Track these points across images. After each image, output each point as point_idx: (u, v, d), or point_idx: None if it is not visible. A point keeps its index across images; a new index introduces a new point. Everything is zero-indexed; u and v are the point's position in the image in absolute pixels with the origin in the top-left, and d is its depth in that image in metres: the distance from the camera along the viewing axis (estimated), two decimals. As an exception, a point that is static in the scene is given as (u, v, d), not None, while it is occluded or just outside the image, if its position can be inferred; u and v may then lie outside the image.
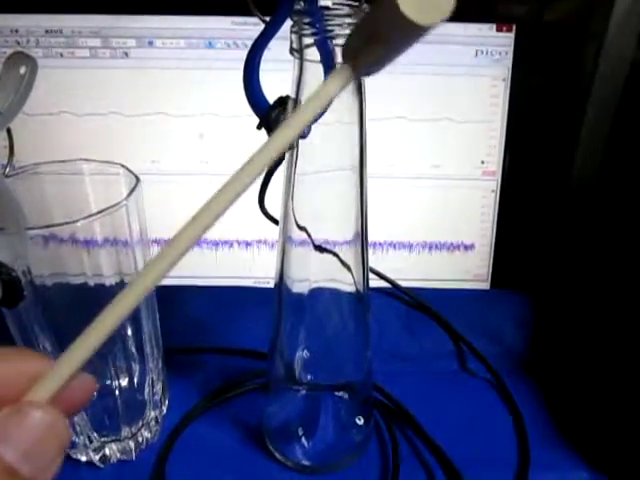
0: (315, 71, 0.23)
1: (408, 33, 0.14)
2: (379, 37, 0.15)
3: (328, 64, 0.22)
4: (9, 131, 0.26)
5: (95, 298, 0.30)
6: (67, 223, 0.24)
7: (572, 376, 0.39)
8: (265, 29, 0.23)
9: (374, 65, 0.15)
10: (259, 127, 0.25)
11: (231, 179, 0.16)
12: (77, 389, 0.15)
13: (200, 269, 0.45)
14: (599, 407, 0.36)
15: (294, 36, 0.23)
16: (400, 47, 0.15)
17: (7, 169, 0.27)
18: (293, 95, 0.25)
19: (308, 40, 0.23)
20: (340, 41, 0.22)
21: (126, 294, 0.15)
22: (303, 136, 0.25)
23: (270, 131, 0.25)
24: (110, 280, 0.30)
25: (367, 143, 0.27)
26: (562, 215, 0.44)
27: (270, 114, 0.24)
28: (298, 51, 0.23)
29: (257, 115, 0.25)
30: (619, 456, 0.33)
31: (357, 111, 0.26)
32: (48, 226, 0.24)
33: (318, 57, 0.22)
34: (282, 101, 0.24)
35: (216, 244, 0.44)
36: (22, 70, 0.23)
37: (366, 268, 0.30)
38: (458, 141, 0.43)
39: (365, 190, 0.28)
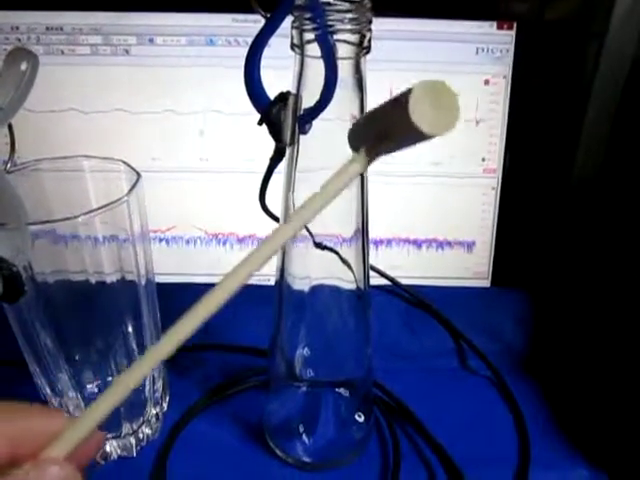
0: (316, 67, 0.23)
1: (416, 139, 0.15)
2: (388, 136, 0.17)
3: (329, 59, 0.22)
4: (10, 127, 0.26)
5: (96, 295, 0.30)
6: (68, 219, 0.24)
7: (572, 374, 0.39)
8: (266, 25, 0.22)
9: (382, 155, 0.18)
10: (260, 123, 0.25)
11: (255, 250, 0.17)
12: (88, 444, 0.17)
13: (201, 266, 0.45)
14: (599, 405, 0.35)
15: (295, 31, 0.23)
16: (406, 146, 0.17)
17: (8, 165, 0.27)
18: (294, 91, 0.25)
19: (309, 36, 0.23)
20: (341, 36, 0.22)
21: (133, 367, 0.17)
22: (304, 132, 0.25)
23: (271, 127, 0.25)
24: (111, 277, 0.30)
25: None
26: (563, 213, 0.44)
27: (271, 110, 0.24)
28: (299, 47, 0.23)
29: (258, 111, 0.25)
30: (619, 454, 0.33)
31: (358, 107, 0.26)
32: (49, 221, 0.24)
33: (319, 53, 0.22)
34: (283, 97, 0.24)
35: (218, 241, 0.44)
36: (23, 66, 0.23)
37: (367, 265, 0.30)
38: (459, 139, 0.43)
39: (366, 187, 0.28)
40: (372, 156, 0.17)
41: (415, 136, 0.15)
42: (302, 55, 0.23)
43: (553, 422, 0.36)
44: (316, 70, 0.23)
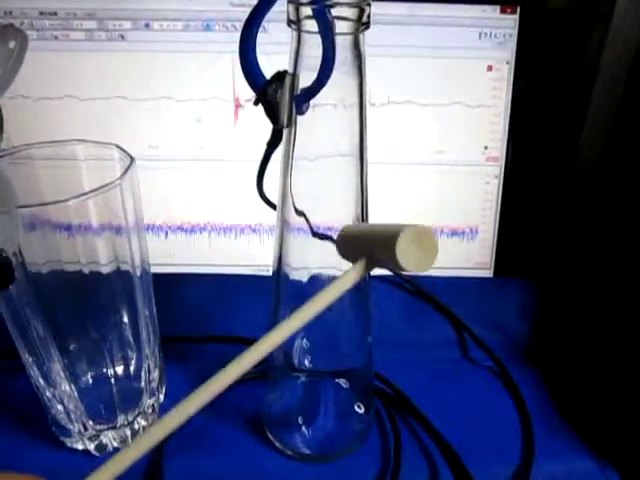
0: (312, 43, 0.22)
1: (402, 270, 0.18)
2: (373, 258, 0.20)
3: (327, 35, 0.21)
4: (-1, 107, 0.25)
5: (90, 285, 0.30)
6: (59, 202, 0.24)
7: (576, 364, 0.38)
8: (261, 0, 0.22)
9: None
10: (256, 103, 0.24)
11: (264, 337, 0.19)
12: None
13: (198, 257, 0.44)
14: (604, 395, 0.35)
15: (291, 7, 0.22)
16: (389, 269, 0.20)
17: (-1, 146, 0.26)
18: (290, 70, 0.24)
19: (306, 11, 0.22)
20: (339, 11, 0.22)
21: (135, 442, 0.17)
22: (301, 112, 0.24)
23: (267, 107, 0.24)
24: (106, 267, 0.30)
25: (367, 127, 0.26)
26: (566, 202, 0.43)
27: (267, 89, 0.24)
28: (295, 22, 0.22)
29: (254, 90, 0.24)
30: (624, 444, 0.32)
31: (357, 92, 0.25)
32: (40, 205, 0.24)
33: (316, 28, 0.22)
34: (280, 76, 0.24)
35: (213, 231, 0.44)
36: (11, 44, 0.23)
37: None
38: (461, 126, 0.42)
39: (365, 175, 0.27)
40: (368, 268, 0.20)
41: (399, 268, 0.18)
42: (298, 31, 0.23)
43: (557, 413, 0.36)
44: (313, 47, 0.22)
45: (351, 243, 0.23)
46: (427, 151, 0.42)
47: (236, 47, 0.24)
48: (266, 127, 0.26)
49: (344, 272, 0.21)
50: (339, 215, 0.28)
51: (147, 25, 0.39)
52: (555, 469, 0.32)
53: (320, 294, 0.19)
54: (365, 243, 0.21)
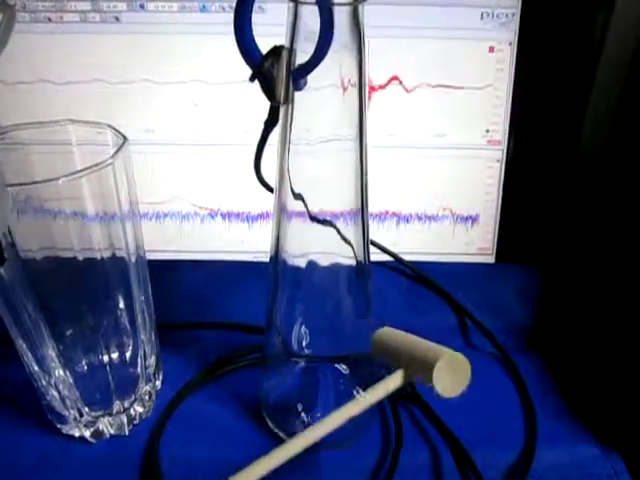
0: (309, 15, 0.21)
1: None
2: (411, 372, 0.23)
3: (324, 5, 0.20)
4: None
5: (84, 271, 0.29)
6: (50, 180, 0.23)
7: (579, 349, 0.37)
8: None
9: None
10: (252, 79, 0.24)
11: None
12: None
13: (194, 243, 0.44)
14: (608, 381, 0.34)
15: (288, -23, 0.21)
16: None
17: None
18: (287, 45, 0.23)
19: (303, -19, 0.21)
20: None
21: None
22: (298, 88, 0.23)
23: (263, 83, 0.23)
24: (100, 253, 0.29)
25: (367, 109, 0.26)
26: (569, 186, 0.43)
27: (263, 64, 0.23)
28: (292, -7, 0.22)
29: (249, 66, 0.23)
30: (629, 430, 0.32)
31: (356, 71, 0.24)
32: (30, 183, 0.23)
33: (313, -1, 0.21)
34: (276, 50, 0.23)
35: (212, 217, 0.43)
36: (-2, 18, 0.22)
37: (367, 240, 0.28)
38: (462, 109, 0.41)
39: (365, 158, 0.27)
40: (405, 380, 0.23)
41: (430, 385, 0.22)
42: (295, 2, 0.22)
43: (560, 399, 0.35)
44: (311, 20, 0.22)
45: (388, 351, 0.26)
46: (427, 134, 0.42)
47: (232, 28, 0.23)
48: (264, 109, 0.26)
49: (386, 378, 0.24)
50: (338, 199, 0.27)
51: (142, 6, 0.38)
52: (559, 455, 0.31)
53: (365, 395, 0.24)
54: (403, 357, 0.24)
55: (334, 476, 0.30)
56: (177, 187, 0.42)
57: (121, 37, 0.39)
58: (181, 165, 0.42)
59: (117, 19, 0.39)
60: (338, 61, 0.23)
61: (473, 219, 0.44)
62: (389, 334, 0.27)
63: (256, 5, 0.23)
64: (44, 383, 0.30)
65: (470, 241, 0.44)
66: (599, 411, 0.34)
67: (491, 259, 0.45)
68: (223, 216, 0.43)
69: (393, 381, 0.24)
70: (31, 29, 0.39)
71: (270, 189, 0.29)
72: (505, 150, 0.42)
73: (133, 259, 0.30)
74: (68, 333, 0.30)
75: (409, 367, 0.24)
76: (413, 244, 0.44)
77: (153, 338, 0.33)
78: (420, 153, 0.42)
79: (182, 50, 0.39)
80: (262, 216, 0.43)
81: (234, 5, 0.38)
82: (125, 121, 0.39)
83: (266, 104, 0.25)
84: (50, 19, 0.39)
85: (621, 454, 0.31)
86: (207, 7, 0.39)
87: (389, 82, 0.40)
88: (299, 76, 0.23)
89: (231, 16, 0.38)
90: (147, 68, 0.40)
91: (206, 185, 0.42)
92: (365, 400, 0.23)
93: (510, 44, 0.40)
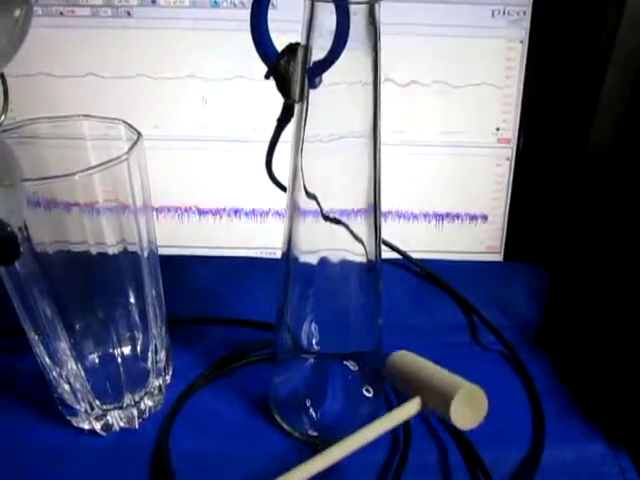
0: (326, 13, 0.21)
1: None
2: (427, 402, 0.24)
3: (341, 3, 0.20)
4: (3, 76, 0.25)
5: (97, 265, 0.30)
6: (66, 175, 0.23)
7: (587, 348, 0.37)
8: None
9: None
10: (267, 76, 0.24)
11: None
12: None
13: (205, 239, 0.44)
14: (615, 379, 0.34)
15: (305, -26, 0.22)
16: None
17: (2, 117, 0.26)
18: (303, 42, 0.23)
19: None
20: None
21: None
22: (313, 86, 0.23)
23: (279, 80, 0.23)
24: (113, 248, 0.29)
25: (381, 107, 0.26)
26: (579, 185, 0.43)
27: (279, 62, 0.23)
28: (309, -9, 0.22)
29: (265, 63, 0.23)
30: (637, 429, 0.32)
31: (371, 70, 0.24)
32: (46, 178, 0.23)
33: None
34: (292, 48, 0.23)
35: (222, 213, 0.43)
36: (16, 13, 0.22)
37: (378, 239, 0.29)
38: (472, 107, 0.41)
39: (379, 156, 0.27)
40: (423, 408, 0.23)
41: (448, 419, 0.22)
42: (312, 0, 0.22)
43: (568, 397, 0.35)
44: (327, 17, 0.22)
45: (402, 376, 0.26)
46: (437, 132, 0.42)
47: (244, 24, 0.23)
48: (277, 106, 0.26)
49: (402, 405, 0.24)
50: (351, 197, 0.27)
51: (154, 1, 0.38)
52: (566, 453, 0.32)
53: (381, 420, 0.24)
54: (418, 385, 0.25)
55: (343, 474, 0.30)
56: (186, 183, 0.42)
57: (132, 32, 0.39)
58: (190, 161, 0.42)
59: (129, 14, 0.39)
60: (354, 59, 0.23)
61: (482, 217, 0.44)
62: (403, 359, 0.27)
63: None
64: (55, 375, 0.31)
65: (479, 239, 0.44)
66: (607, 409, 0.34)
67: (500, 257, 0.45)
68: (234, 212, 0.43)
69: (409, 409, 0.24)
70: (42, 22, 0.39)
71: (282, 188, 0.29)
72: (515, 148, 0.42)
73: (145, 254, 0.30)
74: (80, 326, 0.30)
75: (424, 396, 0.24)
76: (421, 242, 0.44)
77: (164, 333, 0.33)
78: (430, 151, 0.42)
79: (191, 45, 0.39)
80: (273, 213, 0.43)
81: (245, 1, 0.38)
82: (134, 116, 0.40)
83: (276, 101, 0.25)
84: (62, 13, 0.39)
85: (629, 452, 0.32)
86: (218, 3, 0.39)
87: (397, 79, 0.40)
88: (314, 74, 0.23)
89: (242, 12, 0.39)
90: (155, 63, 0.40)
91: (215, 182, 0.42)
92: (382, 426, 0.24)
93: (521, 42, 0.40)
